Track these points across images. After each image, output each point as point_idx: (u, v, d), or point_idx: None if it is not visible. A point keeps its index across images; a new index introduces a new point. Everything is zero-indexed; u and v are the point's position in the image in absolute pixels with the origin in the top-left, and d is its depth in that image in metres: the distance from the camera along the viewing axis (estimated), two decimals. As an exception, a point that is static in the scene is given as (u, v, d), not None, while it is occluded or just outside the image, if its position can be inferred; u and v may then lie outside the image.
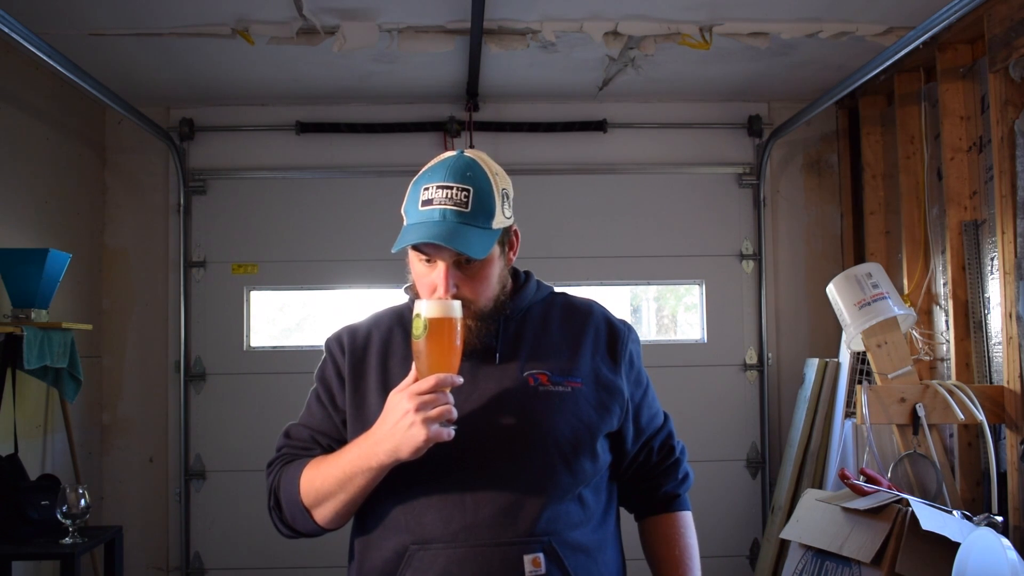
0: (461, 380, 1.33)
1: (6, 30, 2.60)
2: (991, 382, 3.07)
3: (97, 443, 4.09)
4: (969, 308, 3.17)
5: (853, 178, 4.21)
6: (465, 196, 1.38)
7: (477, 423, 1.40)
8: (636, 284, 4.42)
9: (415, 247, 1.42)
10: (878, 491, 2.60)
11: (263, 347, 4.23)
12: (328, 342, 1.57)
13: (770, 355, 4.26)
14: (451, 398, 1.31)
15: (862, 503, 2.54)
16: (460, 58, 3.59)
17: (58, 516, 2.87)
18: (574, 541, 1.42)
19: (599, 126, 4.26)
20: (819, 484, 3.65)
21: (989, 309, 3.10)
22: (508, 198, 1.45)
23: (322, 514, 1.43)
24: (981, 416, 2.83)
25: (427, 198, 1.39)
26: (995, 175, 2.93)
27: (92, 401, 4.03)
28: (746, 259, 4.30)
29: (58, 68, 2.97)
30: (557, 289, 1.63)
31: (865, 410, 2.91)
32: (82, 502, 2.88)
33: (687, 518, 1.67)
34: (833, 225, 4.35)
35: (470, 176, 1.40)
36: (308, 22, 3.22)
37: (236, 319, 4.18)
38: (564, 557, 1.39)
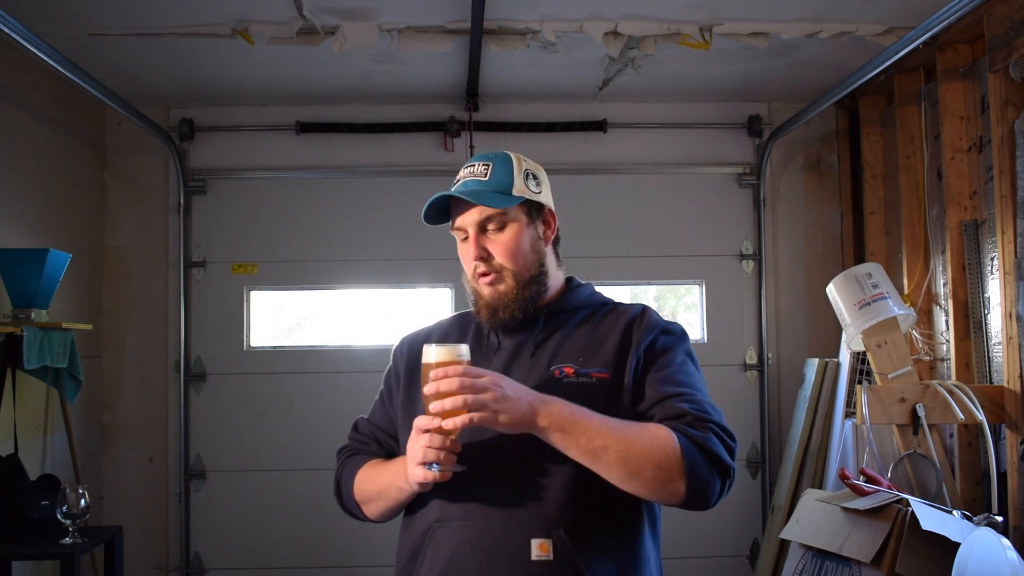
0: (457, 426, 1.33)
1: (6, 30, 2.60)
2: (991, 382, 3.07)
3: (97, 443, 4.09)
4: (969, 308, 3.17)
5: (853, 178, 4.21)
6: (485, 169, 1.56)
7: None
8: (636, 284, 4.42)
9: (448, 220, 1.58)
10: (878, 491, 2.60)
11: (263, 347, 4.23)
12: (394, 348, 1.72)
13: (770, 355, 4.26)
14: (441, 440, 1.36)
15: (862, 503, 2.54)
16: (460, 58, 3.59)
17: (58, 516, 2.87)
18: (589, 532, 1.41)
19: (599, 126, 4.26)
20: (819, 484, 3.65)
21: (989, 309, 3.10)
22: (535, 178, 1.58)
23: (370, 511, 1.60)
24: (981, 416, 2.83)
25: (456, 180, 1.59)
26: (995, 175, 2.93)
27: (92, 401, 4.03)
28: (746, 259, 4.30)
29: (58, 68, 2.97)
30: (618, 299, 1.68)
31: (865, 410, 2.91)
32: (82, 502, 2.88)
33: (664, 430, 1.37)
34: (833, 225, 4.35)
35: (492, 156, 1.58)
36: (308, 22, 3.22)
37: (236, 319, 4.18)
38: (575, 547, 1.39)
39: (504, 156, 1.58)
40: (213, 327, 4.17)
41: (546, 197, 1.60)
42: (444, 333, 1.65)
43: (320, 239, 4.20)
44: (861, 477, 2.76)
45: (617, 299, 1.67)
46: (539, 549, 1.38)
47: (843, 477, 2.73)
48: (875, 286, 3.09)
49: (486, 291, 1.54)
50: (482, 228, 1.53)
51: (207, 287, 4.18)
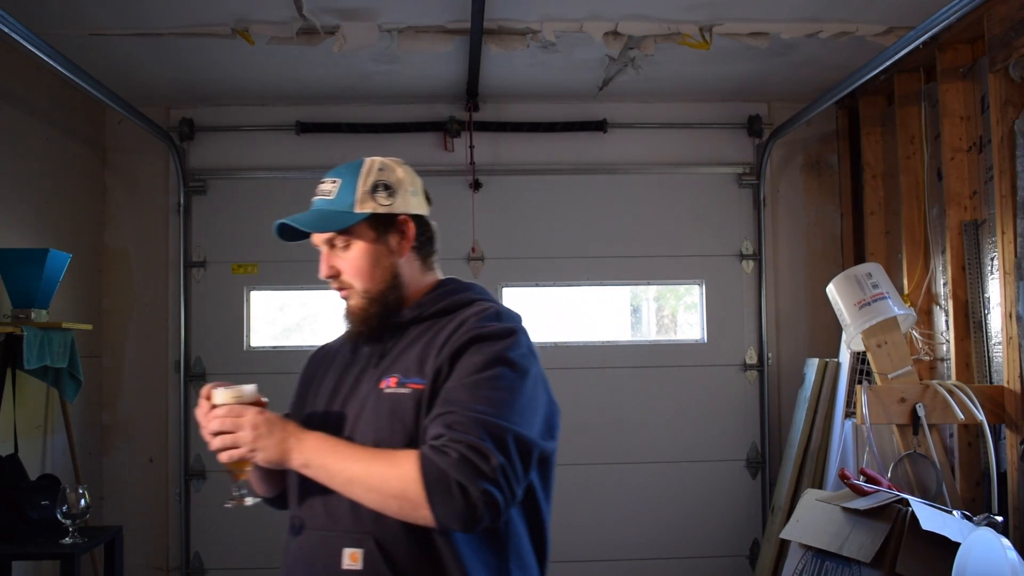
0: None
1: (6, 30, 2.60)
2: (991, 382, 3.06)
3: (97, 443, 4.09)
4: (969, 308, 3.17)
5: (853, 178, 4.21)
6: (332, 186, 1.55)
7: (336, 422, 1.50)
8: (636, 284, 4.42)
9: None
10: (878, 491, 2.59)
11: (263, 347, 4.23)
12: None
13: (770, 355, 4.26)
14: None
15: (862, 503, 2.54)
16: (460, 58, 3.58)
17: (58, 516, 2.87)
18: (405, 541, 1.38)
19: (599, 126, 4.26)
20: (819, 484, 3.65)
21: (989, 309, 3.10)
22: (387, 188, 1.54)
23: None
24: (981, 416, 2.83)
25: (314, 192, 1.59)
26: (995, 175, 2.93)
27: (92, 401, 4.03)
28: (746, 259, 4.30)
29: (58, 68, 2.97)
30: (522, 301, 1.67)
31: (865, 410, 2.91)
32: (82, 502, 2.88)
33: (410, 459, 1.33)
34: (833, 225, 4.35)
35: (344, 171, 1.57)
36: (308, 22, 3.22)
37: (236, 319, 4.18)
38: (385, 556, 1.38)
39: (355, 168, 1.55)
40: (213, 327, 4.17)
41: (402, 205, 1.55)
42: (341, 342, 1.66)
43: (320, 239, 4.19)
44: (861, 477, 2.76)
45: (489, 301, 1.56)
46: (350, 559, 1.40)
47: (843, 477, 2.73)
48: (875, 286, 3.09)
49: (344, 304, 1.57)
50: (331, 245, 1.54)
51: (207, 287, 4.18)
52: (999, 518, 2.50)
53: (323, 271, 1.56)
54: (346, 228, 1.52)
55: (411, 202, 1.58)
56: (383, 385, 1.47)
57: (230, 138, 4.23)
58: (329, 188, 1.55)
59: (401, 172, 1.58)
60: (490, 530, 1.41)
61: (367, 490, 1.35)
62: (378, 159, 1.58)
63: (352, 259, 1.53)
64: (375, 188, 1.54)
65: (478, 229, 4.20)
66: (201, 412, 1.44)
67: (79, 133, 3.96)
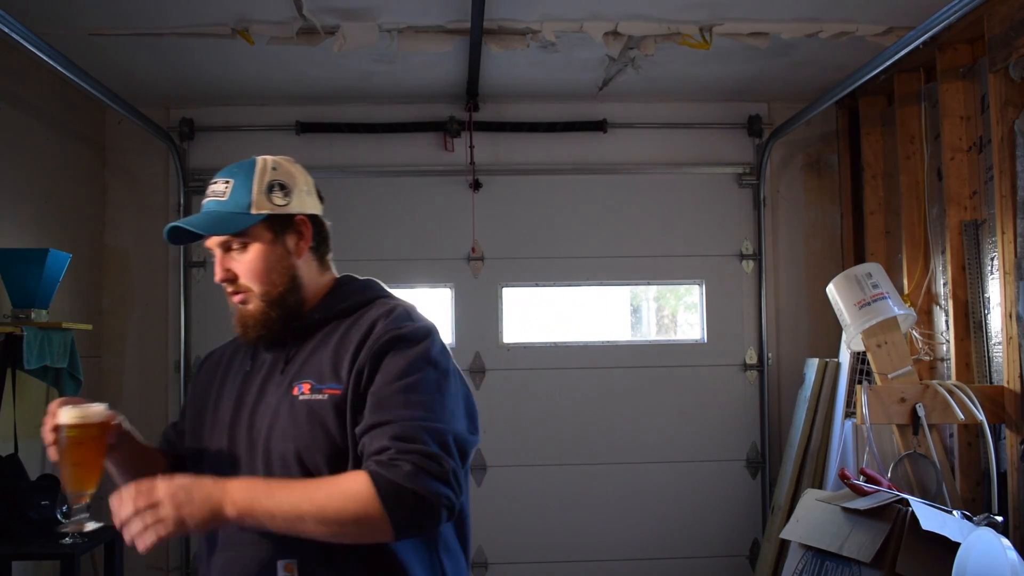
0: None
1: (6, 30, 2.60)
2: (991, 382, 3.06)
3: (97, 443, 4.09)
4: (969, 308, 3.17)
5: (853, 178, 4.21)
6: (225, 187, 1.49)
7: (247, 433, 1.45)
8: (636, 284, 4.42)
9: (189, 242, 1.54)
10: (878, 491, 2.59)
11: (263, 347, 4.22)
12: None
13: (770, 355, 4.26)
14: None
15: (862, 503, 2.54)
16: (460, 58, 3.58)
17: (58, 516, 2.87)
18: (339, 545, 1.35)
19: (599, 126, 4.26)
20: (819, 484, 3.65)
21: (989, 309, 3.10)
22: (283, 188, 1.51)
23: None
24: (981, 416, 2.83)
25: (205, 194, 1.53)
26: (995, 175, 2.93)
27: (92, 401, 4.02)
28: (746, 259, 4.30)
29: (58, 68, 2.97)
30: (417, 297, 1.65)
31: (865, 410, 2.91)
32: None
33: (360, 479, 1.31)
34: (833, 225, 4.35)
35: (236, 171, 1.51)
36: (308, 22, 3.22)
37: (236, 319, 4.17)
38: (325, 560, 1.37)
39: (248, 168, 1.51)
40: (213, 327, 4.16)
41: (298, 204, 1.52)
42: (234, 348, 1.63)
43: (320, 239, 4.19)
44: (861, 477, 2.76)
45: (391, 299, 1.55)
46: (284, 570, 1.37)
47: (843, 477, 2.73)
48: (875, 286, 3.09)
49: (239, 308, 1.52)
50: (226, 248, 1.50)
51: (207, 287, 4.18)
52: (999, 518, 2.50)
53: (218, 275, 1.51)
54: (243, 230, 1.47)
55: (306, 201, 1.55)
56: (296, 392, 1.43)
57: (230, 138, 4.23)
58: (222, 189, 1.49)
59: (295, 171, 1.55)
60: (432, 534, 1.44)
61: (319, 523, 1.29)
62: (270, 158, 1.54)
63: (249, 262, 1.49)
64: (271, 188, 1.49)
65: (478, 229, 4.20)
66: (46, 429, 1.40)
67: (79, 133, 3.96)
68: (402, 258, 4.19)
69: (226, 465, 1.46)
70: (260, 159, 1.53)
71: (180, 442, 1.63)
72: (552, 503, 4.16)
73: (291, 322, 1.50)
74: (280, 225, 1.51)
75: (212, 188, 1.51)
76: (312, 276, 1.55)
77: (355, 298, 1.54)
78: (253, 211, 1.48)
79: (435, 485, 1.29)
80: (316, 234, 1.57)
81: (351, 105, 4.24)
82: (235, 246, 1.49)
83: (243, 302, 1.51)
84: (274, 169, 1.51)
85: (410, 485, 1.28)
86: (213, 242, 1.50)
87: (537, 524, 4.14)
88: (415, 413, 1.35)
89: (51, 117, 3.68)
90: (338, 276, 1.61)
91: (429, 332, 1.46)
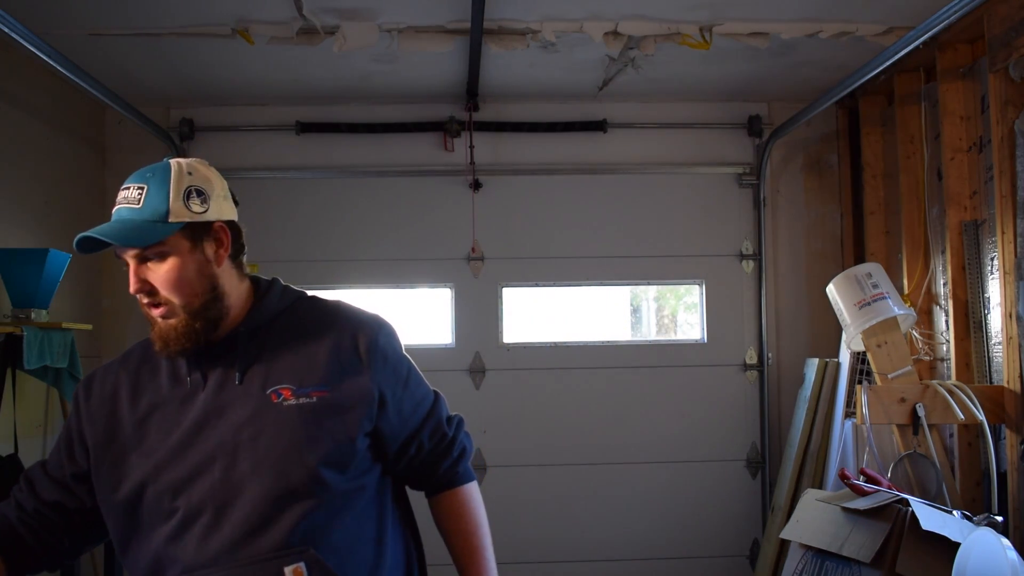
0: None
1: (6, 30, 2.60)
2: (991, 382, 3.06)
3: (97, 443, 4.09)
4: (969, 308, 3.17)
5: (853, 178, 4.21)
6: (139, 194, 1.43)
7: (226, 448, 1.40)
8: (636, 284, 4.42)
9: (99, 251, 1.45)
10: (878, 491, 2.59)
11: (263, 347, 4.22)
12: (77, 388, 1.57)
13: (770, 355, 4.26)
14: None
15: (862, 503, 2.54)
16: (460, 58, 3.58)
17: (58, 516, 2.86)
18: (339, 545, 1.38)
19: (599, 126, 4.26)
20: (819, 484, 3.65)
21: (989, 309, 3.10)
22: (200, 194, 1.45)
23: None
24: (981, 416, 2.83)
25: (116, 201, 1.46)
26: (995, 175, 2.93)
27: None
28: (746, 259, 4.30)
29: (58, 68, 2.96)
30: (330, 293, 1.67)
31: (865, 410, 2.91)
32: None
33: (469, 490, 1.64)
34: (833, 225, 4.35)
35: (150, 176, 1.44)
36: (308, 22, 3.22)
37: (236, 319, 4.17)
38: (328, 562, 1.37)
39: (163, 174, 1.44)
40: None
41: (216, 211, 1.46)
42: (135, 371, 1.52)
43: (320, 239, 4.19)
44: (861, 477, 2.76)
45: (318, 298, 1.58)
46: (293, 575, 1.36)
47: (843, 477, 2.73)
48: (875, 286, 3.09)
49: (159, 322, 1.44)
50: (142, 259, 1.42)
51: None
52: (999, 518, 2.50)
53: (133, 286, 1.43)
54: (160, 240, 1.40)
55: (224, 207, 1.49)
56: (276, 399, 1.41)
57: (230, 138, 4.23)
58: (136, 195, 1.42)
59: (211, 175, 1.49)
60: (383, 494, 1.54)
61: (488, 544, 1.61)
62: (184, 161, 1.48)
63: (168, 273, 1.41)
64: (188, 195, 1.43)
65: (478, 229, 4.20)
66: None
67: (79, 133, 3.96)
68: (402, 258, 4.19)
69: (193, 490, 1.39)
70: (174, 162, 1.46)
71: (77, 493, 1.50)
72: (552, 503, 4.16)
73: (211, 333, 1.45)
74: (198, 233, 1.44)
75: (124, 194, 1.44)
76: (232, 283, 1.49)
77: (285, 298, 1.55)
78: (171, 219, 1.41)
79: (469, 445, 1.66)
80: (234, 241, 1.50)
81: (351, 105, 4.24)
82: (151, 256, 1.41)
83: (165, 315, 1.43)
84: (190, 174, 1.45)
85: (465, 456, 1.63)
86: (128, 252, 1.42)
87: (537, 524, 4.14)
88: (428, 396, 1.60)
89: (51, 117, 3.67)
90: (251, 278, 1.56)
91: (392, 328, 1.59)
